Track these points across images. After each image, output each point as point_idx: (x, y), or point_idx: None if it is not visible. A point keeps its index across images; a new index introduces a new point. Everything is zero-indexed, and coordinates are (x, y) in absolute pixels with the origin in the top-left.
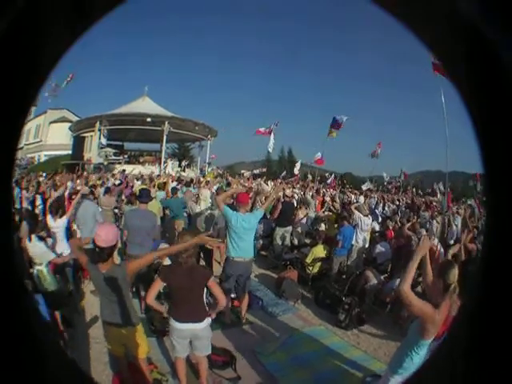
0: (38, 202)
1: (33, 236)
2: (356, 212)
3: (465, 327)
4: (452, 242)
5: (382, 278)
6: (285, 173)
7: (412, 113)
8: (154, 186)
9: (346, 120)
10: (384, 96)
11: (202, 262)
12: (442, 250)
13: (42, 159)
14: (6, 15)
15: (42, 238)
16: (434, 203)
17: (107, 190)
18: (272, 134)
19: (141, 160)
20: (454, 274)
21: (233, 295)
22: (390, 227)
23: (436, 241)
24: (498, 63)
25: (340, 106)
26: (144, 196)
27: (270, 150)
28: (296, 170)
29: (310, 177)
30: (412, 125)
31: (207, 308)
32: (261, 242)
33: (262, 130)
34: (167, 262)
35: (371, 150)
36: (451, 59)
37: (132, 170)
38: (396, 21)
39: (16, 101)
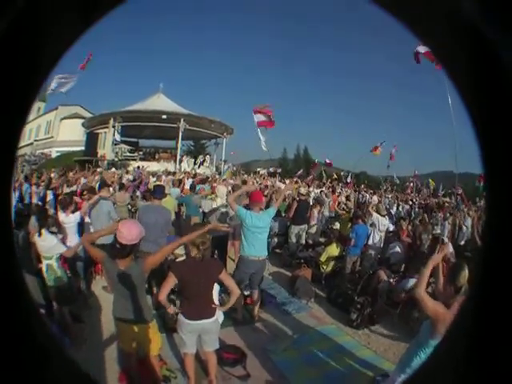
0: (49, 197)
1: (43, 230)
2: (374, 212)
3: (466, 324)
4: (463, 242)
5: (394, 277)
6: (302, 171)
7: (422, 112)
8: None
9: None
10: (394, 96)
11: None
12: (452, 250)
13: (54, 155)
14: (5, 15)
15: (53, 233)
16: (447, 204)
17: (122, 187)
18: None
19: (156, 157)
20: (465, 275)
21: (246, 293)
22: (404, 227)
23: (446, 240)
24: (498, 63)
25: (351, 106)
26: (158, 192)
27: (265, 148)
28: (312, 170)
29: (324, 176)
30: (422, 125)
31: (217, 304)
32: (275, 239)
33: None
34: (183, 257)
35: (385, 149)
36: (451, 59)
37: (147, 166)
38: (396, 21)
39: (16, 101)
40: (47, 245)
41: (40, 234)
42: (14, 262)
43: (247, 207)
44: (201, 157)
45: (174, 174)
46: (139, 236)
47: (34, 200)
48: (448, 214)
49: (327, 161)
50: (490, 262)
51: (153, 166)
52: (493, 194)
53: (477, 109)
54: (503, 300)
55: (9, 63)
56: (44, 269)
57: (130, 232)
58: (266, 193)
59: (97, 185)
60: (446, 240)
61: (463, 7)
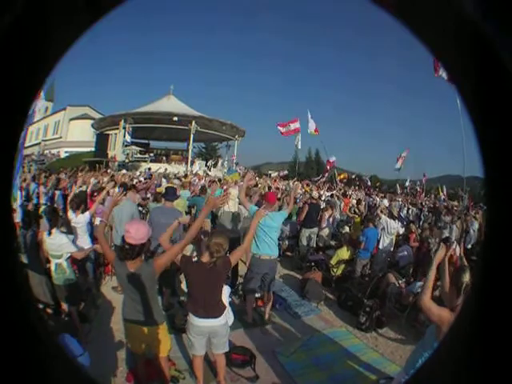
0: (57, 197)
1: (54, 230)
2: (383, 216)
3: (466, 324)
4: (469, 246)
5: (403, 281)
6: (320, 176)
7: (433, 116)
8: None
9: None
10: (405, 101)
11: None
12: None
13: (62, 155)
14: (6, 15)
15: (63, 233)
16: (455, 208)
17: (132, 187)
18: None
19: (167, 159)
20: (467, 276)
21: (257, 295)
22: (413, 231)
23: (455, 244)
24: (498, 63)
25: (363, 108)
26: (170, 194)
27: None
28: (326, 173)
29: (338, 179)
30: (433, 128)
31: (225, 304)
32: (287, 242)
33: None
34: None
35: (395, 153)
36: (451, 59)
37: (158, 168)
38: (396, 21)
39: (17, 100)
40: (57, 242)
41: (50, 233)
42: (15, 261)
43: (260, 206)
44: (220, 159)
45: (185, 176)
46: (147, 235)
47: (42, 200)
48: (456, 218)
49: (330, 160)
50: (490, 262)
51: (164, 168)
52: (493, 195)
53: (477, 109)
54: (503, 300)
55: (9, 63)
56: (53, 268)
57: (137, 232)
58: (279, 196)
59: (115, 186)
60: (453, 242)
61: (463, 7)
